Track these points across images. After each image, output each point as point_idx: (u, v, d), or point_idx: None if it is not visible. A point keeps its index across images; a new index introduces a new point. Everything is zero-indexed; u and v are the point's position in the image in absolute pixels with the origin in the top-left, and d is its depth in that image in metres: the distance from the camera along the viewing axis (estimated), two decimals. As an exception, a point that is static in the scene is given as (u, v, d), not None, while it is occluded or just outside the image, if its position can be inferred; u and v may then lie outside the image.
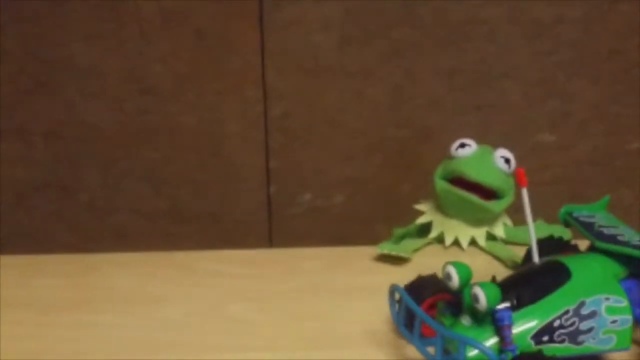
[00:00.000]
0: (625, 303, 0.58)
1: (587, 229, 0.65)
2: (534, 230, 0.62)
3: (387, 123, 0.90)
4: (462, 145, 0.78)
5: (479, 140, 0.87)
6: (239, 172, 0.91)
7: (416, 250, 0.80)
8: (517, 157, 0.89)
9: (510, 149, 0.90)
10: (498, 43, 0.87)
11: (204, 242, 0.91)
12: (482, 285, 0.53)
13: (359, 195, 0.92)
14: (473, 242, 0.80)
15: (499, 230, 0.80)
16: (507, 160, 0.78)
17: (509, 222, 0.81)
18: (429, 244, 0.81)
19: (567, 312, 0.56)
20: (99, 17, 0.84)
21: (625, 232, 0.64)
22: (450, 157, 0.79)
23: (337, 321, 0.67)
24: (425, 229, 0.81)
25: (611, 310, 0.57)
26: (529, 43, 0.87)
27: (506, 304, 0.54)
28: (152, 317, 0.68)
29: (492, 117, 0.90)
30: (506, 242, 0.81)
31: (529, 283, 0.59)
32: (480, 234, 0.80)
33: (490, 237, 0.80)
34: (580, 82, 0.89)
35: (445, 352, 0.55)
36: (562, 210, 0.71)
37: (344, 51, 0.86)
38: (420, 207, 0.82)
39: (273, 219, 0.93)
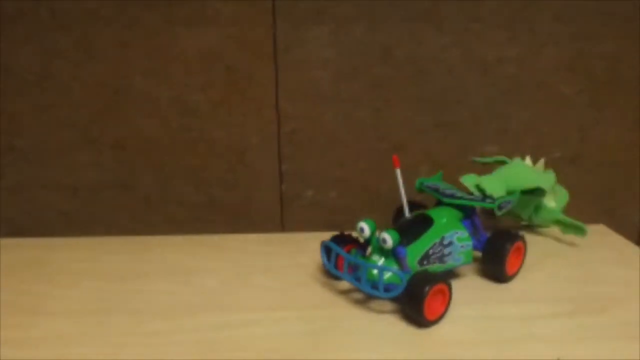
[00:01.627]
0: (466, 234, 0.68)
1: (436, 191, 0.74)
2: (405, 197, 0.70)
3: (369, 138, 0.90)
4: None
5: (439, 150, 0.87)
6: (258, 175, 0.91)
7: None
8: (468, 164, 0.90)
9: (463, 158, 0.90)
10: (454, 77, 0.88)
11: (233, 227, 0.92)
12: (387, 231, 0.62)
13: (348, 192, 0.93)
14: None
15: None
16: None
17: None
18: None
19: (434, 244, 0.65)
20: (153, 56, 0.85)
21: (457, 192, 0.73)
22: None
23: (334, 287, 0.68)
24: None
25: (460, 239, 0.68)
26: (477, 77, 0.88)
27: (402, 244, 0.63)
28: (192, 285, 0.69)
29: (449, 133, 0.91)
30: None
31: (410, 228, 0.67)
32: None
33: None
34: (516, 106, 0.90)
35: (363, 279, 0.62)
36: (417, 181, 0.77)
37: (338, 83, 0.87)
38: None
39: (284, 210, 0.94)
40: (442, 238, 0.66)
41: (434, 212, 0.70)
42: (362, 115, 0.89)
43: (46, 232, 0.91)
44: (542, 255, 0.77)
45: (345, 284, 0.68)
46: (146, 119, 0.88)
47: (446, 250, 0.66)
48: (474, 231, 0.71)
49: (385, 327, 0.59)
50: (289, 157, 0.91)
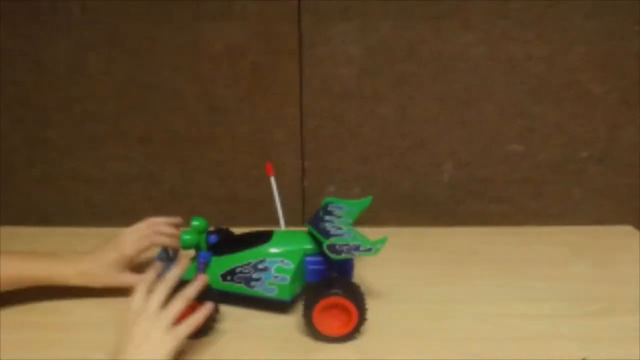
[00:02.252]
0: (292, 266, 0.61)
1: (317, 214, 0.68)
2: (280, 207, 0.67)
3: (393, 135, 0.90)
4: None
5: (463, 149, 0.86)
6: (281, 170, 0.91)
7: None
8: (492, 163, 0.89)
9: (487, 156, 0.89)
10: (480, 75, 0.87)
11: (255, 221, 0.92)
12: (184, 232, 0.63)
13: (370, 188, 0.93)
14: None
15: None
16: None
17: None
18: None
19: (248, 264, 0.61)
20: (180, 52, 0.86)
21: (340, 228, 0.63)
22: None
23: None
24: None
25: (279, 269, 0.61)
26: (504, 75, 0.87)
27: (218, 252, 0.62)
28: None
29: (474, 131, 0.90)
30: None
31: (238, 240, 0.65)
32: None
33: None
34: (543, 105, 0.88)
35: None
36: (324, 200, 0.72)
37: (362, 80, 0.87)
38: None
39: (306, 205, 0.94)
40: (260, 261, 0.62)
41: (285, 234, 0.66)
42: (385, 112, 0.89)
43: (73, 222, 0.94)
44: (568, 255, 0.76)
45: (367, 280, 0.68)
46: (173, 114, 0.89)
47: (255, 275, 0.61)
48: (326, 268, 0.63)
49: (404, 323, 0.60)
50: (311, 153, 0.91)
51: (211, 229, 0.70)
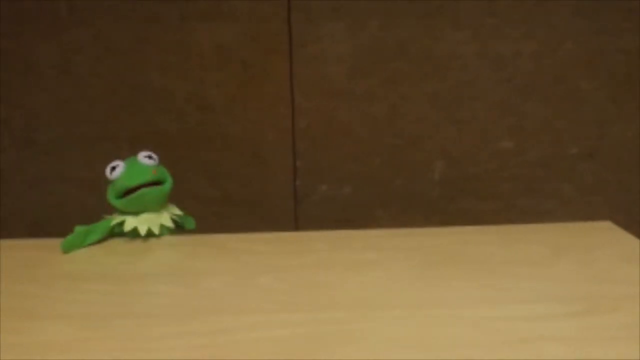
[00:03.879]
0: None
1: None
2: None
3: (384, 133, 0.90)
4: (113, 168, 0.72)
5: (454, 146, 0.87)
6: (273, 170, 0.92)
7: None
8: (482, 160, 0.89)
9: (478, 153, 0.90)
10: (470, 72, 0.87)
11: (247, 223, 0.93)
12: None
13: (362, 187, 0.93)
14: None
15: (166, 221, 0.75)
16: (150, 157, 0.74)
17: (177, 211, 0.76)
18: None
19: None
20: (169, 52, 0.86)
21: None
22: (110, 181, 0.73)
23: (341, 288, 0.65)
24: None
25: None
26: (494, 72, 0.88)
27: None
28: (196, 287, 0.66)
29: (464, 129, 0.91)
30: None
31: None
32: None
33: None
34: (532, 102, 0.89)
35: None
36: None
37: (353, 79, 0.87)
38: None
39: (298, 205, 0.95)
40: None
41: None
42: (377, 110, 0.89)
43: (65, 225, 0.93)
44: (549, 254, 0.76)
45: (352, 285, 0.67)
46: (163, 114, 0.89)
47: None
48: None
49: (393, 329, 0.59)
50: (303, 152, 0.91)
51: None
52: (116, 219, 0.73)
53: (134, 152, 0.91)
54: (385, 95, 0.88)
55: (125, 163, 0.72)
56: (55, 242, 0.79)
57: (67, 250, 0.71)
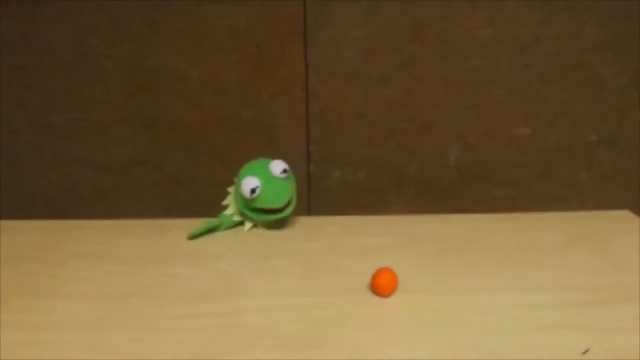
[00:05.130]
0: None
1: None
2: None
3: (399, 117, 0.90)
4: (253, 190, 0.73)
5: (469, 132, 0.86)
6: (287, 154, 0.92)
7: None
8: (499, 146, 0.88)
9: (494, 139, 0.89)
10: (487, 57, 0.86)
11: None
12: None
13: (377, 172, 0.93)
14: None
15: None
16: (285, 170, 0.75)
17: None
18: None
19: None
20: (184, 36, 0.85)
21: None
22: (248, 199, 0.74)
23: (352, 272, 0.67)
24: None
25: None
26: (511, 57, 0.86)
27: None
28: (211, 269, 0.68)
29: (481, 114, 0.89)
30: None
31: None
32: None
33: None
34: (551, 88, 0.87)
35: None
36: None
37: (368, 62, 0.86)
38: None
39: (312, 190, 0.94)
40: None
41: None
42: (392, 94, 0.88)
43: (80, 207, 0.94)
44: (567, 242, 0.75)
45: (365, 270, 0.67)
46: (177, 98, 0.89)
47: None
48: None
49: (406, 314, 0.59)
50: (317, 137, 0.91)
51: None
52: (237, 220, 0.78)
53: (149, 137, 0.91)
54: (400, 79, 0.87)
55: (262, 180, 0.73)
56: (72, 224, 0.81)
57: (192, 237, 0.75)
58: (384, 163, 0.92)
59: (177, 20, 0.84)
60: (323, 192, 0.94)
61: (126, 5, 0.83)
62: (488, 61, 0.86)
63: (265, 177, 0.73)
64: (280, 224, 0.80)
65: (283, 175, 0.74)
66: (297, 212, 0.92)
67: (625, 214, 0.85)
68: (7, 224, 0.80)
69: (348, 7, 0.83)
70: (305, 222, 0.82)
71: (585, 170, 0.91)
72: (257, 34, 0.85)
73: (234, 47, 0.86)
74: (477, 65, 0.86)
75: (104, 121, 0.90)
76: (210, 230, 0.77)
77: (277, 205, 0.73)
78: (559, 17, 0.83)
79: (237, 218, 0.78)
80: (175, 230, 0.78)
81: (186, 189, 0.94)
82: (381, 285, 0.60)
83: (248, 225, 0.78)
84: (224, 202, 0.79)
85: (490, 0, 0.82)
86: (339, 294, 0.63)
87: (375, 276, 0.61)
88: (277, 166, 0.74)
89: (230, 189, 0.79)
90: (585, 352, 0.52)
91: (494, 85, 0.87)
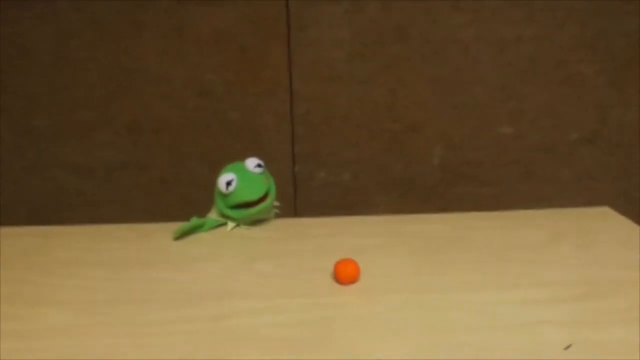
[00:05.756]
0: None
1: None
2: None
3: (384, 118, 0.90)
4: (229, 183, 0.74)
5: (454, 131, 0.87)
6: (272, 156, 0.91)
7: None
8: (482, 145, 0.89)
9: (477, 138, 0.89)
10: (470, 57, 0.87)
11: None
12: None
13: (362, 173, 0.93)
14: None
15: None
16: (259, 165, 0.75)
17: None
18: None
19: None
20: (167, 36, 0.85)
21: None
22: (223, 194, 0.75)
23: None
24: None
25: None
26: (494, 56, 0.87)
27: None
28: (195, 272, 0.67)
29: (464, 114, 0.90)
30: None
31: None
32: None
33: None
34: (533, 87, 0.88)
35: None
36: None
37: (352, 63, 0.87)
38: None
39: (297, 191, 0.94)
40: None
41: None
42: (376, 95, 0.89)
43: (64, 212, 0.93)
44: (549, 239, 0.76)
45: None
46: (160, 100, 0.89)
47: None
48: None
49: (392, 314, 0.60)
50: (302, 138, 0.91)
51: None
52: (220, 220, 0.77)
53: (132, 139, 0.91)
54: (384, 80, 0.88)
55: (237, 175, 0.74)
56: (55, 229, 0.80)
57: (177, 236, 0.75)
58: (369, 163, 0.92)
59: (160, 21, 0.84)
60: (309, 193, 0.94)
61: (108, 6, 0.83)
62: (470, 61, 0.87)
63: (240, 173, 0.75)
64: (262, 222, 0.80)
65: (258, 170, 0.75)
66: (283, 214, 0.92)
67: (605, 211, 0.86)
68: (-12, 229, 0.79)
69: (331, 8, 0.83)
70: (291, 223, 0.82)
71: (567, 167, 0.92)
72: (240, 35, 0.85)
73: (217, 48, 0.86)
74: (460, 65, 0.87)
75: (86, 124, 0.89)
76: (195, 228, 0.76)
77: (252, 197, 0.74)
78: (540, 17, 0.84)
79: (219, 219, 0.77)
80: (160, 234, 0.78)
81: (171, 191, 0.94)
82: (342, 274, 0.62)
83: (231, 224, 0.77)
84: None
85: (471, 1, 0.83)
86: (326, 294, 0.63)
87: (337, 265, 0.62)
88: (251, 162, 0.75)
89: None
90: (567, 348, 0.53)
91: (477, 85, 0.88)
